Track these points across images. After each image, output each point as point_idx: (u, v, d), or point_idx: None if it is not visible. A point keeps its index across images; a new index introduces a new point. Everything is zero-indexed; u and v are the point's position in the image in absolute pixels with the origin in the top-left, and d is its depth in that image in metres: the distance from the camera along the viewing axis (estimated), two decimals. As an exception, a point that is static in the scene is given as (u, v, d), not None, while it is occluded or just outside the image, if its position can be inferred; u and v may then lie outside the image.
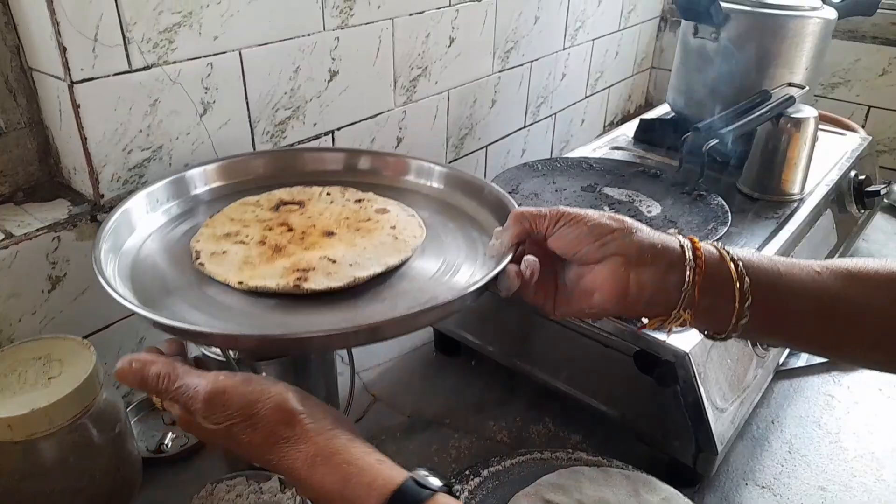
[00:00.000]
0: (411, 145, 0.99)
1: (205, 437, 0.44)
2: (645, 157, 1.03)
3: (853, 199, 1.01)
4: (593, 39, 1.35)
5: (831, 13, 0.97)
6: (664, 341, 0.63)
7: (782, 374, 0.83)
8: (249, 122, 0.75)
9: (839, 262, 0.49)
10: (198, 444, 0.70)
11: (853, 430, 0.77)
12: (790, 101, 0.87)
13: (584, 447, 0.74)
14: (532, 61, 1.19)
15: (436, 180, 0.68)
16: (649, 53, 1.62)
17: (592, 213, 0.49)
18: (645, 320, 0.51)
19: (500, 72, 1.12)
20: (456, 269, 0.55)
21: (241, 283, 0.50)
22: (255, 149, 0.77)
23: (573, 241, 0.49)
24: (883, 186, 1.01)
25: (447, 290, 0.52)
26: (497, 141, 1.19)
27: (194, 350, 0.56)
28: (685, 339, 0.63)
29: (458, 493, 0.52)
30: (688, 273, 0.47)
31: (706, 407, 0.63)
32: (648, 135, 1.07)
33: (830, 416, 0.78)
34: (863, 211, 1.03)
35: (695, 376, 0.63)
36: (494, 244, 0.53)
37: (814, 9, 0.96)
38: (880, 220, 1.21)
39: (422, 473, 0.40)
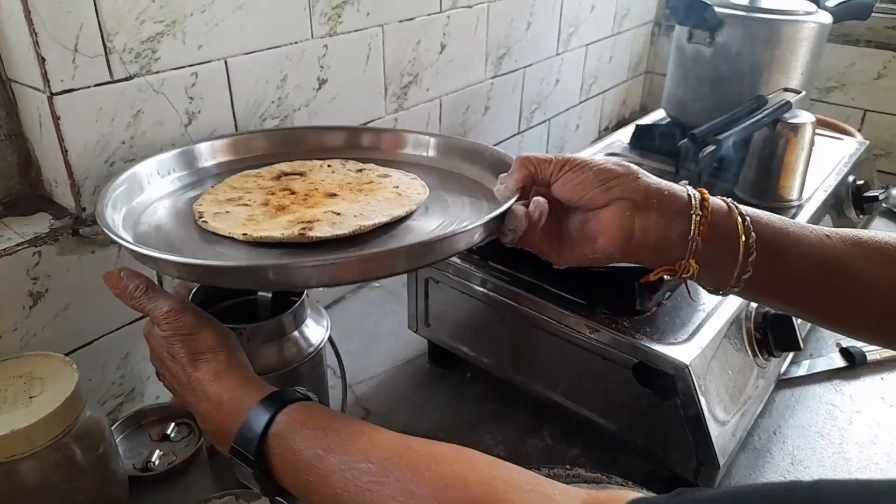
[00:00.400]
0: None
1: (156, 357, 0.51)
2: (640, 163, 1.01)
3: (852, 204, 0.99)
4: (587, 45, 1.34)
5: (826, 17, 0.96)
6: (664, 353, 0.62)
7: (783, 383, 0.82)
8: (236, 131, 0.73)
9: (850, 231, 0.48)
10: (186, 462, 0.68)
11: (856, 440, 0.75)
12: (787, 106, 0.86)
13: (582, 461, 0.72)
14: (525, 67, 1.18)
15: (436, 150, 0.68)
16: (644, 58, 1.62)
17: (598, 159, 0.49)
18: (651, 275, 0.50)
19: (492, 78, 1.11)
20: (462, 222, 0.54)
21: (245, 234, 0.50)
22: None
23: (578, 186, 0.48)
24: (881, 191, 0.99)
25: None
26: (491, 148, 1.17)
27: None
28: (685, 352, 0.62)
29: None
30: (694, 221, 0.46)
31: (707, 420, 0.62)
32: (644, 141, 1.06)
33: (833, 426, 0.77)
34: (861, 216, 1.02)
35: (695, 389, 0.61)
36: (499, 188, 0.52)
37: (808, 13, 0.95)
38: (879, 225, 1.20)
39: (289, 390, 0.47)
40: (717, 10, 0.94)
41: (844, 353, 0.86)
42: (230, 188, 0.59)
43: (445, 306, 0.78)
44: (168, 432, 0.72)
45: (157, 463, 0.68)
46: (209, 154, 0.66)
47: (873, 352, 0.86)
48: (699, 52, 0.99)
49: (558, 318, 0.67)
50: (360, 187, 0.59)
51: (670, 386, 0.62)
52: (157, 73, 0.64)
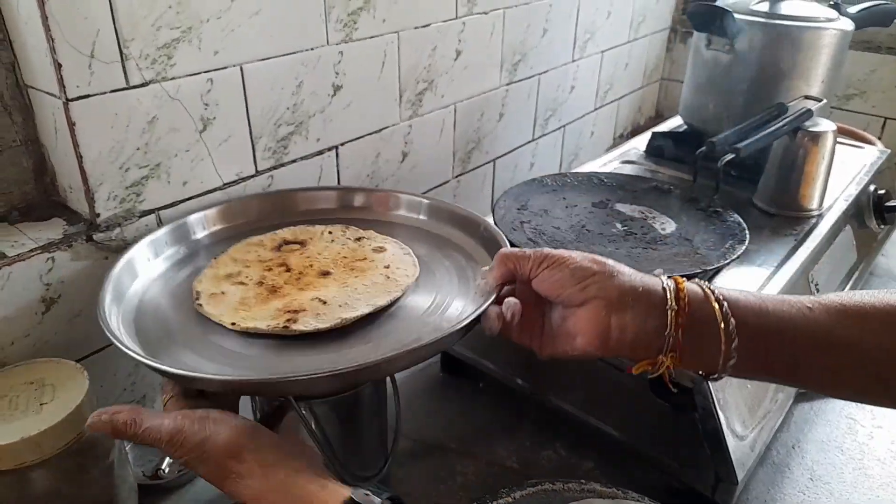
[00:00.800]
0: (417, 160, 0.97)
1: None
2: (657, 171, 1.00)
3: (872, 214, 0.97)
4: (602, 51, 1.33)
5: (848, 24, 0.95)
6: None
7: (802, 396, 0.80)
8: (251, 137, 0.73)
9: (832, 297, 0.48)
10: (196, 470, 0.68)
11: (877, 455, 0.73)
12: (807, 114, 0.84)
13: (595, 475, 0.71)
14: (540, 74, 1.17)
15: (433, 215, 0.70)
16: (660, 65, 1.60)
17: (575, 256, 0.49)
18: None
19: (507, 84, 1.10)
20: (447, 305, 0.56)
21: (234, 324, 0.52)
22: (256, 166, 0.75)
23: (555, 283, 0.49)
24: (903, 201, 0.98)
25: (432, 330, 0.52)
26: (505, 154, 1.17)
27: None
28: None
29: None
30: (669, 316, 0.46)
31: (725, 434, 0.60)
32: (660, 148, 1.04)
33: (853, 441, 0.75)
34: (883, 226, 1.00)
35: (713, 402, 0.60)
36: (480, 284, 0.54)
37: (830, 20, 0.94)
38: (900, 235, 1.17)
39: (361, 493, 0.42)
40: (737, 16, 0.92)
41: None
42: (232, 260, 0.61)
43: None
44: (179, 439, 0.71)
45: (166, 471, 0.68)
46: (201, 226, 0.67)
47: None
48: (718, 59, 0.98)
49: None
50: (353, 265, 0.60)
51: (688, 399, 0.61)
52: (172, 79, 0.64)
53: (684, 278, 0.49)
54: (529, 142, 1.22)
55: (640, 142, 1.09)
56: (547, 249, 0.50)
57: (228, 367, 0.49)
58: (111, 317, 0.51)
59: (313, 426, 0.58)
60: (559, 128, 1.29)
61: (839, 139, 0.93)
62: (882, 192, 0.98)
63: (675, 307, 0.46)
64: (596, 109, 1.39)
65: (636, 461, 0.69)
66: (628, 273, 0.49)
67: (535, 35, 1.12)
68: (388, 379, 0.65)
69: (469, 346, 0.79)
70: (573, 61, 1.25)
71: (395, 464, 0.71)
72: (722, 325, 0.46)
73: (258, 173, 0.75)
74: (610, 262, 0.49)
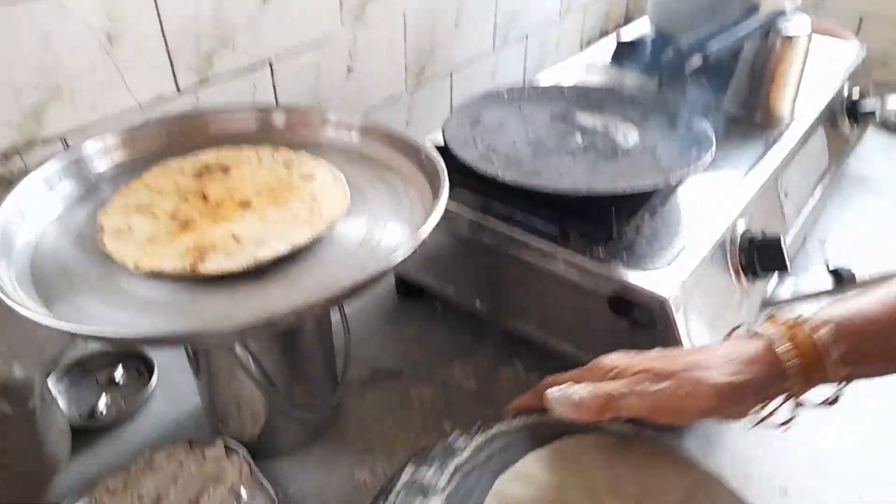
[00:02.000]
0: (364, 75, 0.90)
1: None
2: (623, 79, 0.94)
3: (846, 117, 0.93)
4: (567, -49, 1.24)
5: None
6: (641, 286, 0.57)
7: (768, 305, 0.78)
8: (168, 53, 0.65)
9: None
10: (135, 409, 0.65)
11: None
12: (780, 13, 0.78)
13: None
14: (499, -23, 1.08)
15: (368, 136, 0.63)
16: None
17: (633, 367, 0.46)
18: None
19: (462, -10, 1.01)
20: (381, 237, 0.52)
21: (136, 265, 0.47)
22: (177, 84, 0.68)
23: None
24: (877, 104, 0.93)
25: (359, 268, 0.48)
26: (463, 68, 1.09)
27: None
28: (664, 282, 0.57)
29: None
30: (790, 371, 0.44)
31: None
32: (625, 55, 0.98)
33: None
34: (855, 126, 0.96)
35: (672, 318, 0.57)
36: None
37: None
38: (872, 138, 1.14)
39: None
40: None
41: (834, 273, 0.81)
42: (145, 187, 0.54)
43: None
44: (115, 377, 0.68)
45: (104, 412, 0.64)
46: (101, 153, 0.59)
47: (863, 271, 0.81)
48: (685, -48, 0.90)
49: (530, 248, 0.63)
50: (278, 194, 0.54)
51: (648, 319, 0.58)
52: (64, -15, 0.56)
53: (786, 323, 0.45)
54: (490, 54, 1.14)
55: (607, 48, 1.02)
56: (593, 387, 0.45)
57: (134, 316, 0.44)
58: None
59: (251, 362, 0.54)
60: (521, 38, 1.21)
61: (815, 36, 0.88)
62: (857, 96, 0.93)
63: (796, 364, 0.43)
64: (561, 16, 1.31)
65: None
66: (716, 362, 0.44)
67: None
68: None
69: (423, 269, 0.75)
70: (534, -38, 1.16)
71: (348, 393, 0.68)
72: (833, 364, 0.43)
73: (181, 93, 0.68)
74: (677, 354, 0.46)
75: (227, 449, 0.57)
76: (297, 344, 0.58)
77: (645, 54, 0.95)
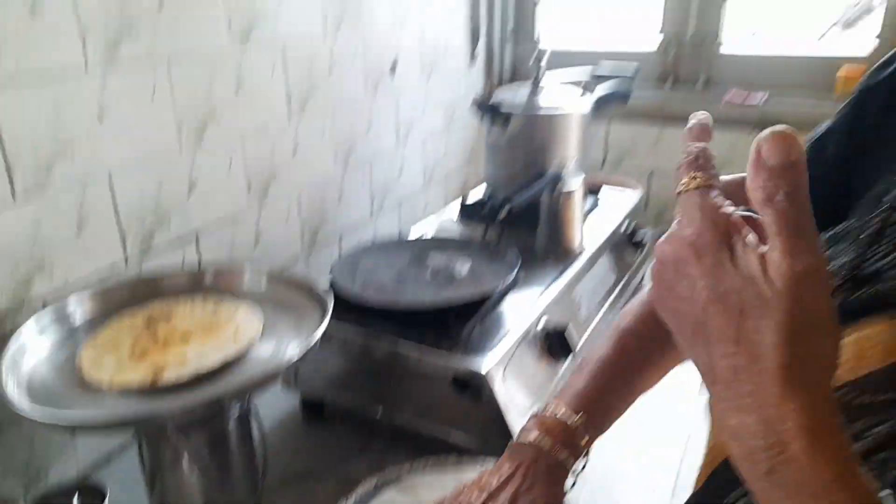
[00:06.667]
0: (269, 243, 1.16)
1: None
2: (466, 230, 1.27)
3: (629, 244, 1.28)
4: (423, 140, 1.61)
5: (587, 108, 1.27)
6: (468, 367, 0.83)
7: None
8: (121, 233, 0.90)
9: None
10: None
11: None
12: (558, 177, 1.13)
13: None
14: (370, 161, 1.42)
15: (274, 283, 0.87)
16: (480, 143, 1.92)
17: None
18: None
19: (343, 172, 1.33)
20: (285, 350, 0.74)
21: (110, 384, 0.66)
22: (126, 256, 0.92)
23: None
24: (647, 234, 1.29)
25: (259, 372, 0.70)
26: (349, 232, 1.39)
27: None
28: (484, 362, 0.83)
29: None
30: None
31: (504, 412, 0.82)
32: (467, 212, 1.31)
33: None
34: (639, 252, 1.31)
35: (492, 391, 0.82)
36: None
37: (573, 106, 1.26)
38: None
39: None
40: (504, 110, 1.22)
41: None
42: (111, 331, 0.75)
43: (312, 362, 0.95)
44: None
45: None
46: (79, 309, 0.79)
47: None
48: (499, 140, 1.27)
49: (400, 351, 0.87)
50: (209, 329, 0.75)
51: (477, 390, 0.83)
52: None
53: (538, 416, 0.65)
54: (368, 220, 1.45)
55: (453, 210, 1.36)
56: None
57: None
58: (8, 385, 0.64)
59: (186, 456, 0.73)
60: (395, 205, 1.54)
61: (610, 187, 1.23)
62: (633, 227, 1.29)
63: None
64: (425, 184, 1.66)
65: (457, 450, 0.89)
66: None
67: (361, 130, 1.37)
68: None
69: (325, 387, 0.96)
70: (397, 148, 1.51)
71: (266, 491, 0.86)
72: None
73: (127, 264, 0.92)
74: None
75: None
76: (225, 443, 0.76)
77: (481, 211, 1.29)
